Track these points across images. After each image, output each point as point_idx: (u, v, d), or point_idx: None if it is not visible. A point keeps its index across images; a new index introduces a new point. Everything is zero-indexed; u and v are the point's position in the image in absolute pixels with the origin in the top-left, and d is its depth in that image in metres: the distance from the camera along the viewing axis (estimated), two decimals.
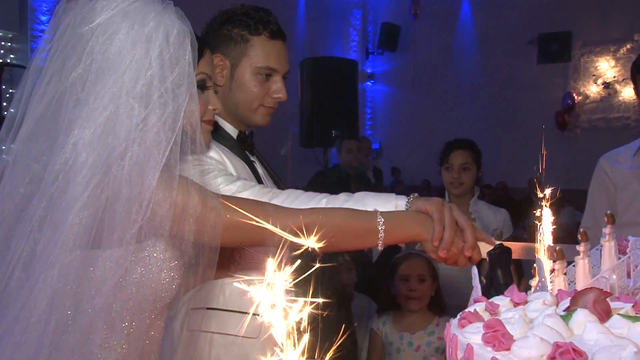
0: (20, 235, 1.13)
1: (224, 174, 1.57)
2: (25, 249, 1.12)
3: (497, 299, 1.04)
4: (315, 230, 1.29)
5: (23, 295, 1.10)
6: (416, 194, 1.50)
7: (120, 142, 1.12)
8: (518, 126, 9.50)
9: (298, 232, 1.29)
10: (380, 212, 1.35)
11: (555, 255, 1.47)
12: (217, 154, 1.65)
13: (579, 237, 1.54)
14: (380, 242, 1.33)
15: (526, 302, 1.02)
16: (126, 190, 1.12)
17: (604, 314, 0.89)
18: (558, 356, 0.75)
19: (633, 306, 0.95)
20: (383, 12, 11.33)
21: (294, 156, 8.55)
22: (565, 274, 1.50)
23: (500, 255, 1.17)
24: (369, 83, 11.42)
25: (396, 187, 8.97)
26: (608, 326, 0.86)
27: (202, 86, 1.37)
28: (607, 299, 0.97)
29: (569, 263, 1.50)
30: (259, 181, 1.78)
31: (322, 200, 1.51)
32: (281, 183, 1.99)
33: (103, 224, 1.11)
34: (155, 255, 1.21)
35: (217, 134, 1.75)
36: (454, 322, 0.95)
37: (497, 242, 1.19)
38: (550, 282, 1.35)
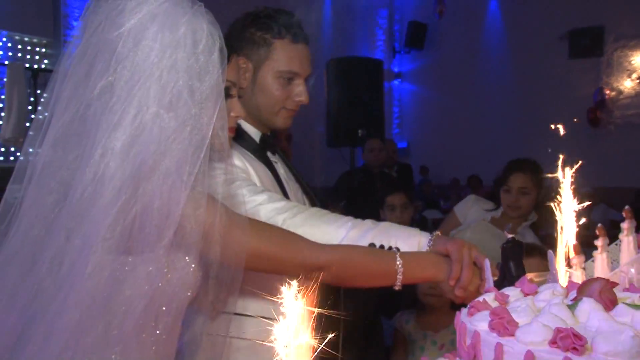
0: (49, 244, 1.12)
1: (249, 184, 1.59)
2: (55, 260, 1.12)
3: (507, 290, 1.07)
4: (335, 267, 1.34)
5: (52, 313, 1.09)
6: (438, 232, 1.52)
7: (150, 154, 1.11)
8: (548, 123, 9.38)
9: (319, 267, 1.34)
10: (400, 253, 1.38)
11: (573, 250, 1.50)
12: (240, 161, 1.67)
13: (597, 232, 1.56)
14: (399, 283, 1.38)
15: (536, 292, 1.05)
16: (157, 204, 1.11)
17: (610, 303, 0.92)
18: (559, 341, 0.78)
19: None
20: (409, 10, 11.30)
21: (322, 156, 8.61)
22: (584, 269, 1.53)
23: (513, 248, 1.21)
24: (396, 82, 11.40)
25: (424, 186, 8.97)
26: (613, 314, 0.89)
27: (226, 94, 1.34)
28: (617, 289, 1.00)
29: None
30: (280, 183, 1.81)
31: (347, 223, 1.51)
32: (303, 182, 2.02)
33: (133, 238, 1.11)
34: (180, 263, 1.22)
35: (239, 137, 1.77)
36: (464, 311, 0.99)
37: (510, 236, 1.23)
38: (569, 277, 1.37)
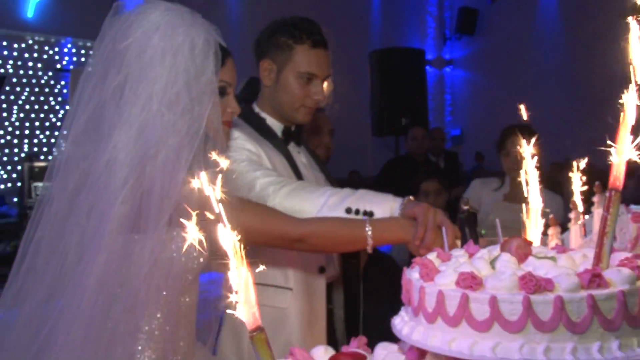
0: (72, 224, 1.36)
1: (251, 162, 1.87)
2: (75, 237, 1.34)
3: (455, 250, 1.30)
4: (311, 238, 1.57)
5: (76, 277, 1.32)
6: (410, 197, 1.71)
7: (152, 144, 1.34)
8: (609, 107, 9.17)
9: (297, 239, 1.57)
10: (369, 220, 1.59)
11: (549, 222, 1.69)
12: (253, 147, 1.95)
13: (570, 205, 1.76)
14: (369, 246, 1.59)
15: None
16: (158, 187, 1.34)
17: (523, 256, 1.14)
18: (461, 281, 1.02)
19: (558, 252, 1.19)
20: None
21: (367, 146, 8.82)
22: (563, 240, 1.73)
23: (468, 218, 1.43)
24: (447, 69, 11.43)
25: (476, 172, 9.02)
26: (522, 264, 1.12)
27: (222, 92, 1.54)
28: (534, 247, 1.22)
29: None
30: (297, 171, 2.06)
31: (326, 192, 1.73)
32: (327, 172, 2.28)
33: (140, 215, 1.35)
34: (184, 235, 1.47)
35: (261, 129, 2.06)
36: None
37: (465, 207, 1.45)
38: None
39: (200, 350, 1.65)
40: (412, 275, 1.16)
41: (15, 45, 7.88)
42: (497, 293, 0.98)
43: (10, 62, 7.86)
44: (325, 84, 2.09)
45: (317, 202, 1.72)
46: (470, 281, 1.01)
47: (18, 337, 1.37)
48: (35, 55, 8.09)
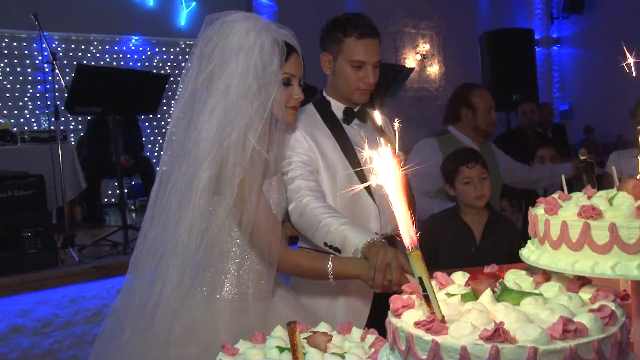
0: (175, 188, 1.61)
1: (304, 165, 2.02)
2: (176, 198, 1.60)
3: (574, 193, 1.36)
4: (284, 264, 1.69)
5: (174, 223, 1.59)
6: (375, 239, 1.72)
7: (228, 123, 1.57)
8: None
9: (278, 265, 1.69)
10: (332, 257, 1.67)
11: None
12: (307, 137, 2.08)
13: None
14: (331, 279, 1.67)
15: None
16: (232, 158, 1.57)
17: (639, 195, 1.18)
18: (583, 213, 1.09)
19: None
20: None
21: None
22: None
23: (585, 166, 1.47)
24: (555, 47, 10.82)
25: (584, 143, 8.55)
26: (639, 202, 1.16)
27: (286, 83, 1.74)
28: None
29: None
30: (348, 149, 2.14)
31: (323, 222, 1.82)
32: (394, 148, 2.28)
33: (219, 180, 1.58)
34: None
35: (325, 111, 2.21)
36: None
37: (582, 157, 1.49)
38: None
39: (282, 289, 1.86)
40: (537, 211, 1.24)
41: (172, 50, 8.58)
42: (616, 221, 1.04)
43: (168, 63, 8.57)
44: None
45: (315, 227, 1.84)
46: (591, 212, 1.08)
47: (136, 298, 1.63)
48: (187, 57, 8.72)
